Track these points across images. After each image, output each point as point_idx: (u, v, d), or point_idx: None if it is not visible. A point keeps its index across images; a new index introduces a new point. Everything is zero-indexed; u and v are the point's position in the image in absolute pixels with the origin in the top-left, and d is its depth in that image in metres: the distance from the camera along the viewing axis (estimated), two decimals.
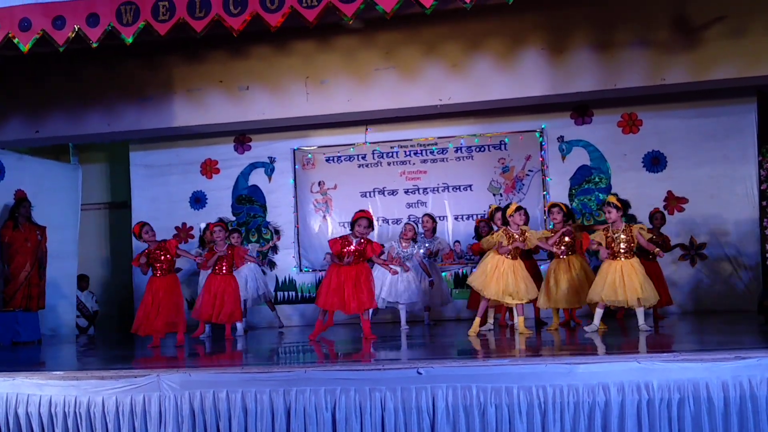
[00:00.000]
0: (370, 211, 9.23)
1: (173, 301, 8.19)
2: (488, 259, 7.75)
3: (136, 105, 9.52)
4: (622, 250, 7.33)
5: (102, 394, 5.66)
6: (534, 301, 8.19)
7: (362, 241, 7.92)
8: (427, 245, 9.39)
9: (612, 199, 7.51)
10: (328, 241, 8.12)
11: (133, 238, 10.73)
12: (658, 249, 7.56)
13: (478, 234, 9.01)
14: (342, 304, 7.82)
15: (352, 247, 7.88)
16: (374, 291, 8.09)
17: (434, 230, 9.65)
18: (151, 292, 8.15)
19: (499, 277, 7.59)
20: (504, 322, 8.81)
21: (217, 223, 8.92)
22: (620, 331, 7.77)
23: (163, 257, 8.17)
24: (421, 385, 5.28)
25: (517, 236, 7.64)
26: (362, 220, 7.91)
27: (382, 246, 8.45)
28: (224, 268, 8.71)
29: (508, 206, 8.02)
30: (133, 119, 9.57)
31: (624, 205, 7.47)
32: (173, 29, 6.90)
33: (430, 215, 9.79)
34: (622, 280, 7.23)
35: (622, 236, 7.34)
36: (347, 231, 10.32)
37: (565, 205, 8.44)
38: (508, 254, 7.62)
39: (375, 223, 8.85)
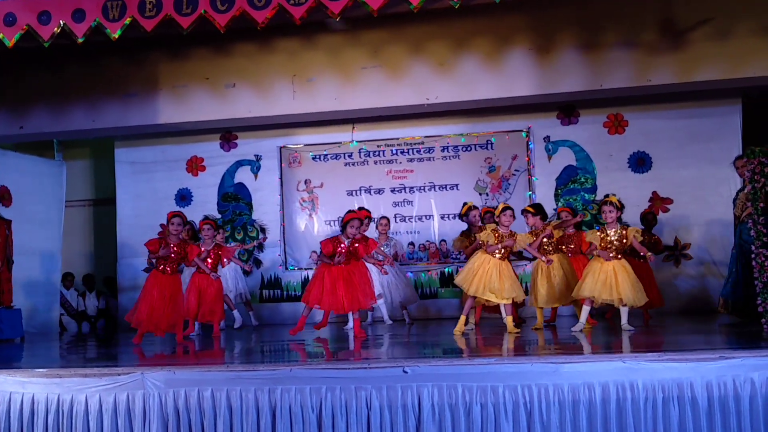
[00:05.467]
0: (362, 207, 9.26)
1: (179, 302, 8.03)
2: (475, 258, 7.73)
3: (120, 101, 9.47)
4: (614, 251, 7.38)
5: (85, 392, 5.60)
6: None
7: (353, 241, 7.89)
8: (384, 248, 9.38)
9: (613, 199, 7.52)
10: (321, 242, 8.09)
11: (118, 234, 10.76)
12: (650, 254, 7.59)
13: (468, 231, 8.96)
14: (336, 305, 7.79)
15: (343, 247, 7.85)
16: (372, 290, 8.05)
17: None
18: (157, 287, 7.79)
19: (483, 274, 7.56)
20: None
21: (205, 221, 8.84)
22: (606, 330, 7.79)
23: (178, 256, 7.92)
24: (406, 384, 5.26)
25: (505, 236, 7.64)
26: (354, 221, 7.87)
27: (376, 243, 8.35)
28: (209, 267, 8.64)
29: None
30: (117, 116, 9.52)
31: (622, 207, 7.52)
32: (159, 25, 6.87)
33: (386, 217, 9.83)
34: (615, 279, 7.27)
35: (615, 237, 7.39)
36: (334, 229, 10.37)
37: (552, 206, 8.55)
38: (495, 253, 7.61)
39: (369, 218, 8.82)
